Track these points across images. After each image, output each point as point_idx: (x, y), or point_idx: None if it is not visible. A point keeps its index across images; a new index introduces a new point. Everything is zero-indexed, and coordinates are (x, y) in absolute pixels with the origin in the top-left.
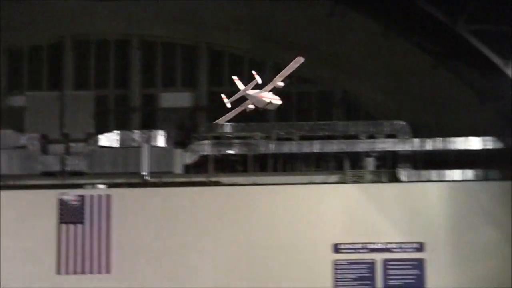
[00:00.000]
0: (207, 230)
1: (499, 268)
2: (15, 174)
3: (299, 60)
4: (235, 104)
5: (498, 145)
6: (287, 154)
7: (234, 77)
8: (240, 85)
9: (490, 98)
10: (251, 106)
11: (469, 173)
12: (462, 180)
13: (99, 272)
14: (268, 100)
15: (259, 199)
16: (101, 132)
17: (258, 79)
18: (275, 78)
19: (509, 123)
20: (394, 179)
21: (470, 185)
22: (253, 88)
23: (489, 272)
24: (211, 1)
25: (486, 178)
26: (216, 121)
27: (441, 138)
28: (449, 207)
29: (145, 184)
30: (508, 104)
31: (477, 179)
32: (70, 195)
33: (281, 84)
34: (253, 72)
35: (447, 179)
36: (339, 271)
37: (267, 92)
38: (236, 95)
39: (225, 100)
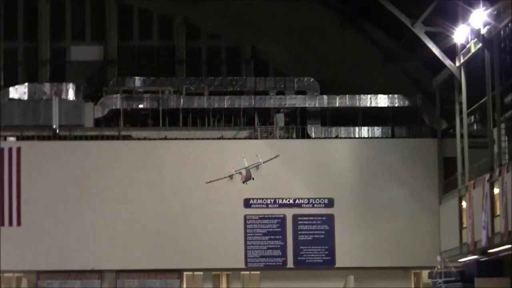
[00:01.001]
0: (117, 184)
1: (406, 224)
2: None
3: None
4: None
5: (405, 103)
6: (198, 109)
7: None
8: (245, 162)
9: (397, 57)
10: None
11: (376, 131)
12: (370, 137)
13: (10, 225)
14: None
15: (170, 153)
16: (11, 85)
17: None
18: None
19: (415, 82)
20: (304, 135)
21: (377, 142)
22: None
23: (396, 228)
24: None
25: (393, 136)
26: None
27: (349, 95)
28: (357, 164)
29: (55, 137)
30: (414, 63)
31: (384, 137)
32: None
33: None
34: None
35: (355, 136)
36: (249, 226)
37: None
38: (243, 169)
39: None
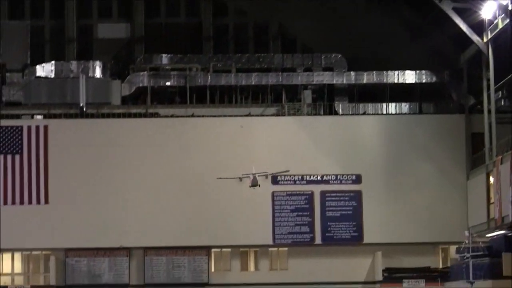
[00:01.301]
0: (144, 161)
1: (433, 200)
2: None
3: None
4: None
5: (432, 79)
6: (225, 86)
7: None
8: (253, 169)
9: (424, 33)
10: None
11: (404, 107)
12: (397, 114)
13: (38, 203)
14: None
15: (197, 131)
16: (37, 63)
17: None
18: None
19: (442, 58)
20: (331, 112)
21: (405, 119)
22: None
23: (423, 204)
24: None
25: (420, 112)
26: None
27: (376, 72)
28: (385, 140)
29: (82, 115)
30: (441, 39)
31: (411, 113)
32: None
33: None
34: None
35: (382, 112)
36: (277, 203)
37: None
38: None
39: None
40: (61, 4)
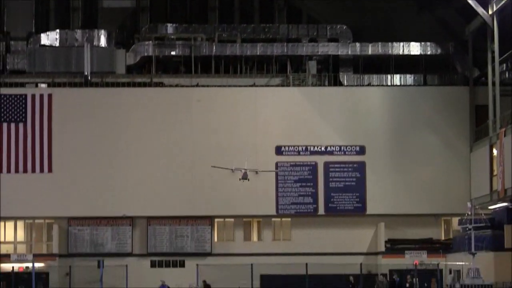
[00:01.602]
0: (149, 131)
1: (437, 171)
2: None
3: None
4: None
5: (437, 51)
6: (230, 56)
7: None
8: (245, 164)
9: (430, 5)
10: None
11: (409, 78)
12: (402, 85)
13: (41, 171)
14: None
15: (203, 100)
16: (42, 31)
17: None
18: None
19: (448, 30)
20: (336, 83)
21: (409, 90)
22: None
23: (427, 175)
24: None
25: (425, 83)
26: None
27: (381, 43)
28: (389, 111)
29: (87, 84)
30: (446, 11)
31: (416, 84)
32: None
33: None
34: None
35: (387, 84)
36: (281, 173)
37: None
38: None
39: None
40: None
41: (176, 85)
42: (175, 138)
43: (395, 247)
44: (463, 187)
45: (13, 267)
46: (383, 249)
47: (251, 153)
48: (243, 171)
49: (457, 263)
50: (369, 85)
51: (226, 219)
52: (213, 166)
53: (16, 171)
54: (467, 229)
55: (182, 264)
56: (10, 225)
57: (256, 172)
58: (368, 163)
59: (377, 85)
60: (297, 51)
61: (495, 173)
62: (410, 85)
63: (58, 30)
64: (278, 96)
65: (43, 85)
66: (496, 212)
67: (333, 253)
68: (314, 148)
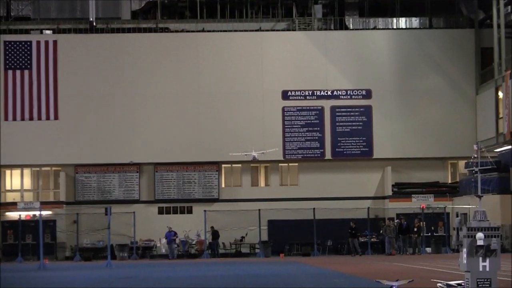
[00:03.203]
0: (155, 77)
1: (443, 114)
2: None
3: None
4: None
5: None
6: (235, 0)
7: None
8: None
9: None
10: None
11: (414, 21)
12: (408, 28)
13: (48, 119)
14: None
15: (208, 46)
16: None
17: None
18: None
19: None
20: (341, 26)
21: (415, 33)
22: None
23: (433, 119)
24: None
25: (430, 26)
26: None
27: None
28: (395, 54)
29: (92, 30)
30: None
31: (422, 27)
32: None
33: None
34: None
35: (393, 27)
36: (287, 118)
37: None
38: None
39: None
40: None
41: (182, 30)
42: (181, 84)
43: (402, 191)
44: (469, 130)
45: (20, 215)
46: (390, 193)
47: (256, 97)
48: (253, 155)
49: (464, 206)
50: (374, 28)
51: (233, 165)
52: (231, 154)
53: (22, 118)
54: (473, 172)
55: (189, 211)
56: (16, 173)
57: (263, 153)
58: (374, 106)
59: (382, 29)
60: None
61: (501, 115)
62: (415, 28)
63: None
64: (284, 40)
65: (48, 32)
66: (502, 155)
67: (340, 197)
68: (320, 93)
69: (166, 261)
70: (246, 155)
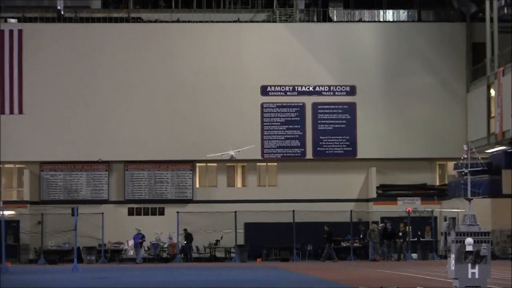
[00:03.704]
0: (126, 70)
1: (431, 113)
2: None
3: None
4: None
5: None
6: None
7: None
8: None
9: None
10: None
11: (402, 14)
12: (395, 21)
13: (11, 112)
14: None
15: (183, 37)
16: None
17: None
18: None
19: None
20: (325, 18)
21: (403, 27)
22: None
23: (421, 117)
24: None
25: (419, 20)
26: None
27: None
28: (382, 49)
29: (59, 19)
30: None
31: (410, 20)
32: None
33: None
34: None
35: (379, 19)
36: (266, 115)
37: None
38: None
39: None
40: None
41: (155, 21)
42: (153, 77)
43: (387, 193)
44: (459, 129)
45: None
46: (374, 195)
47: (233, 93)
48: (230, 154)
49: (453, 210)
50: (360, 21)
51: (209, 164)
52: (209, 155)
53: None
54: (463, 173)
55: (161, 212)
56: None
57: (239, 152)
58: (359, 104)
59: (368, 21)
60: None
61: (492, 114)
62: (403, 21)
63: None
64: (264, 32)
65: (13, 20)
66: (494, 156)
67: (322, 199)
68: (301, 88)
69: (135, 265)
70: (223, 154)
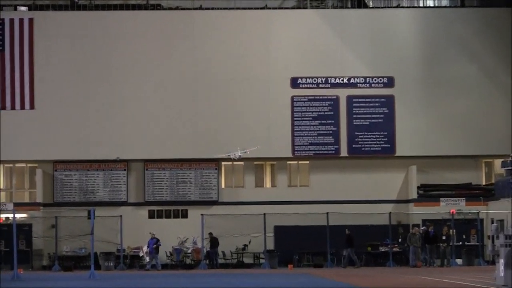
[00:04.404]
0: (145, 61)
1: (475, 105)
2: None
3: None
4: None
5: None
6: None
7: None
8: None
9: None
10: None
11: None
12: (436, 7)
13: (22, 108)
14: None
15: (206, 26)
16: None
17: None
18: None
19: None
20: (360, 4)
21: (444, 12)
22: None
23: (464, 110)
24: None
25: (462, 5)
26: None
27: None
28: (422, 37)
29: (73, 6)
30: None
31: (452, 6)
32: None
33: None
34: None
35: (419, 5)
36: (297, 109)
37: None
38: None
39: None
40: None
41: (176, 8)
42: (175, 69)
43: (428, 193)
44: (505, 123)
45: None
46: (415, 196)
47: (261, 85)
48: (238, 155)
49: (500, 211)
50: (398, 6)
51: (235, 162)
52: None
53: None
54: (511, 171)
55: (184, 215)
56: None
57: (246, 152)
58: (397, 96)
59: (407, 7)
60: None
61: None
62: (445, 7)
63: None
64: (294, 20)
65: (23, 8)
66: None
67: (358, 201)
68: (335, 80)
69: (157, 272)
70: (229, 155)
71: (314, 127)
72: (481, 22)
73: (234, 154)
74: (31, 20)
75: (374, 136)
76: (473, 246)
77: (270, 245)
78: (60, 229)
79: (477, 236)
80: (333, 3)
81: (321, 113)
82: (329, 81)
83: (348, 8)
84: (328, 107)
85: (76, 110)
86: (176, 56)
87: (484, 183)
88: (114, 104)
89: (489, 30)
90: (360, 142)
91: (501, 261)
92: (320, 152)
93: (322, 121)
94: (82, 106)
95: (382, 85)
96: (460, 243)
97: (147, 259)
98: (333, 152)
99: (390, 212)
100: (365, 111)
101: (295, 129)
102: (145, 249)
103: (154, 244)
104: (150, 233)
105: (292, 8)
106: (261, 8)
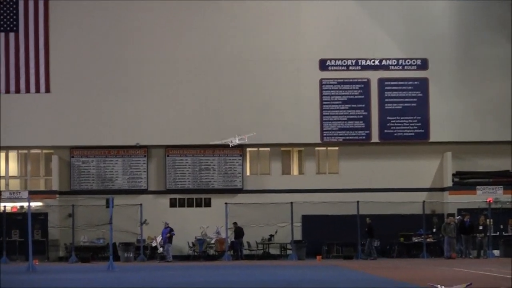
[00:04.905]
0: (166, 43)
1: None
2: None
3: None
4: None
5: None
6: None
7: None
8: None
9: None
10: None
11: None
12: None
13: (37, 91)
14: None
15: (230, 4)
16: None
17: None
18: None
19: None
20: None
21: None
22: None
23: (502, 93)
24: None
25: None
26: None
27: None
28: (457, 16)
29: None
30: None
31: None
32: None
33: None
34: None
35: None
36: (326, 92)
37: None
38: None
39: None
40: None
41: None
42: (197, 51)
43: (464, 181)
44: None
45: (4, 207)
46: (450, 184)
47: (287, 68)
48: (235, 142)
49: None
50: None
51: (261, 149)
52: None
53: (7, 91)
54: None
55: (208, 203)
56: (0, 156)
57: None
58: (431, 79)
59: None
60: None
61: None
62: None
63: None
64: (324, 8)
65: None
66: None
67: (390, 189)
68: (365, 62)
69: (179, 263)
70: (225, 141)
71: (344, 111)
72: None
73: (231, 141)
74: (46, 2)
75: (407, 121)
76: (511, 237)
77: (298, 236)
78: (77, 218)
79: None
80: None
81: (351, 96)
82: (360, 63)
83: None
84: (359, 91)
85: (93, 94)
86: (199, 37)
87: None
88: (133, 87)
89: None
90: (392, 127)
91: None
92: (350, 137)
93: (352, 105)
94: (100, 89)
95: (415, 67)
96: (497, 234)
97: (160, 249)
98: (364, 137)
99: (424, 201)
100: (397, 95)
101: (324, 114)
102: (158, 239)
103: (168, 234)
104: (163, 221)
105: None
106: None
